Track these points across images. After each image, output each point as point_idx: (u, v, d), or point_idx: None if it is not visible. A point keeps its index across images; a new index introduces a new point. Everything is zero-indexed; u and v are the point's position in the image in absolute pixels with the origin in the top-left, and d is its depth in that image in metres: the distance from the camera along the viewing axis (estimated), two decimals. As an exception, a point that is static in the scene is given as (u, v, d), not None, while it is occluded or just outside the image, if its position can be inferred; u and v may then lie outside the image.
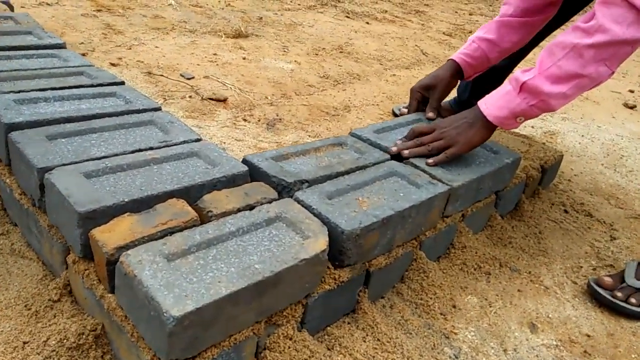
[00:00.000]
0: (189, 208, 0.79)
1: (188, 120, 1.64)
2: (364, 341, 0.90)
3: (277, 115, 1.79)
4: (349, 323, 0.94)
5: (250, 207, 0.84)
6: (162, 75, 1.91)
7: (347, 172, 1.02)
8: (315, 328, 0.89)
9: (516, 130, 1.60)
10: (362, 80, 2.34)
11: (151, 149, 0.94)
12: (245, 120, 1.72)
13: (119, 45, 2.18)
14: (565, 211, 1.48)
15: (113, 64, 1.96)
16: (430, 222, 1.04)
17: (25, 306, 0.85)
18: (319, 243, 0.78)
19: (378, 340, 0.91)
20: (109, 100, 1.10)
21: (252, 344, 0.75)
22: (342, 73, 2.37)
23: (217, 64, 2.17)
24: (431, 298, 1.03)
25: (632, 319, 1.11)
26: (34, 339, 0.79)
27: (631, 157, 2.00)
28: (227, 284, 0.67)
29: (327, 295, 0.85)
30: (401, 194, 0.98)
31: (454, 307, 1.05)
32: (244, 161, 0.99)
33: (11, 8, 1.84)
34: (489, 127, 1.11)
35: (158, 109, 1.10)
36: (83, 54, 2.02)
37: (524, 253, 1.26)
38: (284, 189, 0.93)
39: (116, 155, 0.90)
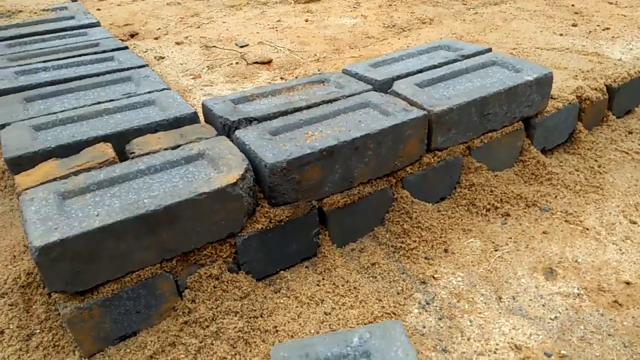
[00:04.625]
0: (110, 150, 0.80)
1: (227, 84, 1.66)
2: (318, 285, 0.82)
3: (319, 71, 1.71)
4: (307, 267, 0.86)
5: (178, 147, 0.81)
6: (214, 47, 1.97)
7: (309, 107, 0.93)
8: (263, 271, 0.83)
9: (587, 48, 1.31)
10: (434, 24, 2.13)
11: (111, 101, 0.96)
12: (282, 78, 1.68)
13: (191, 26, 2.29)
14: (648, 139, 1.18)
15: (178, 43, 2.07)
16: (407, 156, 0.90)
17: None
18: (228, 177, 0.73)
19: (333, 284, 0.82)
20: (103, 64, 1.16)
21: (166, 282, 0.73)
22: (412, 20, 2.19)
23: (277, 30, 2.16)
24: (415, 241, 0.90)
25: None
26: None
27: None
28: (104, 217, 0.65)
29: (262, 235, 0.79)
30: (362, 125, 0.86)
31: (446, 251, 0.90)
32: (203, 105, 0.96)
33: None
34: None
35: (143, 66, 1.13)
36: (155, 38, 2.18)
37: (567, 190, 1.03)
38: (230, 129, 0.88)
39: (75, 108, 0.94)
